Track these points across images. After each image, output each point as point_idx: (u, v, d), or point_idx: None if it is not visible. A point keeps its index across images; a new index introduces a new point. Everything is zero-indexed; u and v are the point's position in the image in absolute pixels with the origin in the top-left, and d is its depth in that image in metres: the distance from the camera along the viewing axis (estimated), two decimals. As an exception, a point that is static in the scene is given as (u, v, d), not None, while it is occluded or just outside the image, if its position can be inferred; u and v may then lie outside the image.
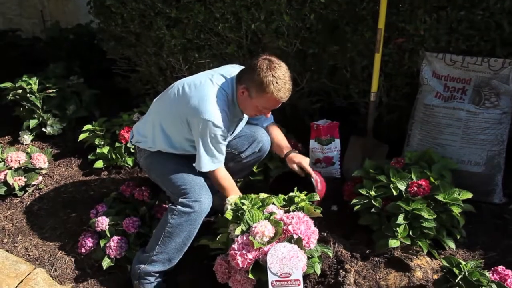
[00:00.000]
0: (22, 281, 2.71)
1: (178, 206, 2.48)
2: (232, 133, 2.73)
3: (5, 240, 3.03)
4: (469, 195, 2.60)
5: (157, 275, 2.56)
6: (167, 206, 2.95)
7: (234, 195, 2.56)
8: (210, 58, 3.43)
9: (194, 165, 2.55)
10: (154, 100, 2.76)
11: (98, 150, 3.54)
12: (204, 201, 2.49)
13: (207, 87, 2.46)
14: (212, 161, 2.51)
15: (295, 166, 2.79)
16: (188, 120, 2.46)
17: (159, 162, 2.67)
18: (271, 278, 2.13)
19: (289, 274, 2.12)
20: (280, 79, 2.35)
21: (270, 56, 2.41)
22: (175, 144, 2.62)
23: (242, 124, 2.78)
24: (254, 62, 2.40)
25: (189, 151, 2.61)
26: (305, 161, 2.78)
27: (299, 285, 2.14)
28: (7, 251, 2.93)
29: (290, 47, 3.22)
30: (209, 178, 2.62)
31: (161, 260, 2.53)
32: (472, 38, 2.81)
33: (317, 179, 2.78)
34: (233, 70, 2.58)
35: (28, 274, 2.75)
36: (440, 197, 2.56)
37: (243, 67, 2.59)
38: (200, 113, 2.39)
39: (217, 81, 2.50)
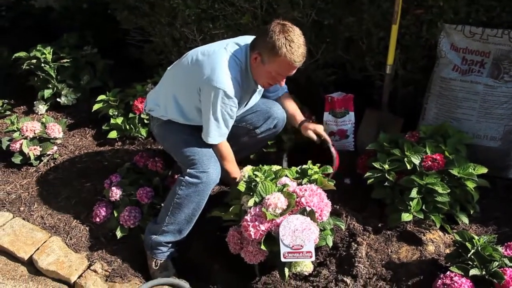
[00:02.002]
0: (38, 248, 2.77)
1: (186, 177, 2.48)
2: (245, 105, 2.71)
3: (21, 209, 3.07)
4: (484, 170, 2.58)
5: (169, 245, 2.59)
6: (180, 177, 2.97)
7: (232, 165, 2.61)
8: (225, 28, 3.39)
9: (202, 136, 2.55)
10: (168, 68, 2.73)
11: (112, 121, 3.55)
12: (212, 172, 2.48)
13: (220, 55, 2.42)
14: (219, 134, 2.50)
15: (310, 133, 2.76)
16: (200, 88, 2.43)
17: (171, 131, 2.67)
18: (283, 249, 2.14)
19: (301, 246, 2.13)
20: (293, 42, 2.29)
21: (282, 20, 2.36)
22: (187, 114, 2.61)
23: (256, 97, 2.75)
24: (266, 27, 2.35)
25: (200, 123, 2.60)
26: (320, 128, 2.77)
27: (311, 257, 2.16)
28: (23, 219, 2.98)
29: (305, 18, 3.17)
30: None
31: (171, 231, 2.56)
32: (493, 9, 2.73)
33: (334, 145, 2.80)
34: (248, 39, 2.52)
35: (44, 242, 2.80)
36: (454, 172, 2.54)
37: None
38: (212, 81, 2.36)
39: (231, 49, 2.45)
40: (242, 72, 2.45)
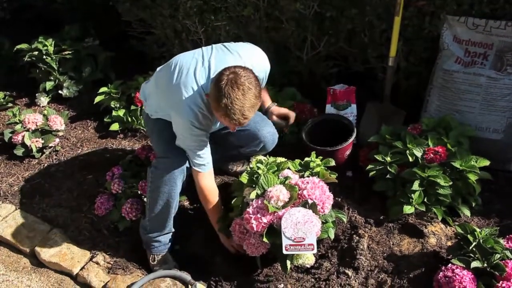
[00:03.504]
0: (41, 240, 2.78)
1: (152, 168, 2.48)
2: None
3: (24, 201, 3.08)
4: (486, 163, 2.57)
5: (160, 240, 2.60)
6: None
7: (213, 216, 2.52)
8: (227, 20, 3.37)
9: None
10: (158, 69, 2.63)
11: (114, 113, 3.55)
12: (173, 159, 2.42)
13: (187, 82, 2.29)
14: (195, 164, 2.39)
15: (275, 118, 2.78)
16: (170, 113, 2.38)
17: (153, 124, 2.65)
18: (285, 242, 2.14)
19: (303, 238, 2.13)
20: (235, 101, 2.07)
21: (240, 70, 2.12)
22: (164, 113, 2.56)
23: None
24: (221, 72, 2.14)
25: None
26: (285, 110, 2.82)
27: (312, 249, 2.16)
28: (26, 211, 2.99)
29: (307, 10, 3.16)
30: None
31: (155, 226, 2.57)
32: (496, 1, 2.72)
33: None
34: (225, 62, 2.30)
35: (47, 234, 2.81)
36: (456, 164, 2.53)
37: (248, 46, 2.44)
38: (177, 109, 2.29)
39: (199, 77, 2.30)
40: (206, 102, 2.29)
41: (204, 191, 2.46)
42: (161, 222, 2.57)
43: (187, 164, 2.45)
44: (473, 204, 2.63)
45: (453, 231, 2.54)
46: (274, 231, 2.20)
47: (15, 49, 3.96)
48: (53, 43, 3.92)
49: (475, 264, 2.13)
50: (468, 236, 2.23)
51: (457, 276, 2.09)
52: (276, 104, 2.84)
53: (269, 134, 2.71)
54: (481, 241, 2.19)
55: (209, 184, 2.47)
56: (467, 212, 2.59)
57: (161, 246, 2.61)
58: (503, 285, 2.04)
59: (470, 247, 2.20)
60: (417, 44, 3.07)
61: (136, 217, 2.76)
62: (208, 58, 2.35)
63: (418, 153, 2.62)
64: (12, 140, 3.39)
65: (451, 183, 2.49)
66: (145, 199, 2.81)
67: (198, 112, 2.26)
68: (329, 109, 3.23)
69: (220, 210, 2.54)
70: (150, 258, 2.62)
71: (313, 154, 2.53)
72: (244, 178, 2.40)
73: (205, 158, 2.40)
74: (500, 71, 2.78)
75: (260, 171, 2.36)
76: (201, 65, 2.33)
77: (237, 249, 2.51)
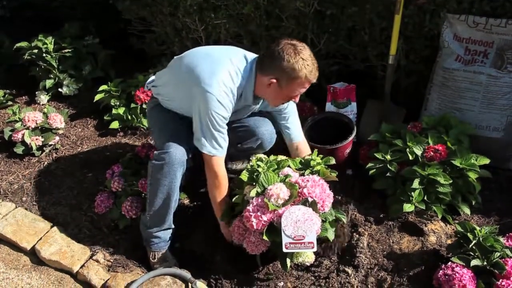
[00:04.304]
0: (41, 238, 2.78)
1: (153, 161, 2.47)
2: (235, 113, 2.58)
3: (24, 199, 3.08)
4: (486, 161, 2.58)
5: (160, 236, 2.60)
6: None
7: (221, 204, 2.50)
8: (227, 18, 3.37)
9: (194, 142, 2.44)
10: (175, 57, 2.60)
11: (113, 111, 3.55)
12: (173, 151, 2.41)
13: (223, 64, 2.34)
14: (211, 145, 2.38)
15: None
16: (193, 90, 2.33)
17: (156, 117, 2.66)
18: (285, 240, 2.14)
19: (303, 236, 2.13)
20: (309, 60, 2.27)
21: (290, 40, 2.30)
22: (175, 104, 2.58)
23: (246, 112, 2.64)
24: (277, 50, 2.26)
25: (182, 112, 2.57)
26: None
27: (312, 247, 2.16)
28: (26, 209, 2.99)
29: (307, 8, 3.15)
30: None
31: (155, 220, 2.56)
32: (496, -1, 2.72)
33: None
34: (252, 54, 2.45)
35: (47, 232, 2.81)
36: (456, 162, 2.54)
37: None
38: (206, 85, 2.28)
39: (237, 62, 2.37)
40: (241, 87, 2.36)
41: (218, 175, 2.45)
42: (161, 216, 2.56)
43: (187, 157, 2.45)
44: (473, 203, 2.63)
45: (453, 229, 2.55)
46: (274, 229, 2.20)
47: (15, 47, 3.95)
48: (53, 41, 3.92)
49: (474, 262, 2.14)
50: (468, 234, 2.24)
51: (456, 274, 2.09)
52: None
53: (267, 132, 2.71)
54: (481, 239, 2.19)
55: (222, 169, 2.47)
56: (467, 211, 2.60)
57: (161, 243, 2.61)
58: (503, 283, 2.04)
59: (470, 245, 2.20)
60: (417, 42, 3.07)
61: (136, 215, 2.76)
62: (240, 51, 2.46)
63: (418, 151, 2.62)
64: (12, 138, 3.39)
65: (451, 181, 2.49)
66: (145, 196, 2.82)
67: (228, 91, 2.32)
68: (329, 107, 3.23)
69: (227, 198, 2.52)
70: (150, 255, 2.62)
71: (315, 152, 2.53)
72: (244, 176, 2.40)
73: (223, 139, 2.40)
74: (500, 69, 2.78)
75: (260, 169, 2.36)
76: (235, 54, 2.42)
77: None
